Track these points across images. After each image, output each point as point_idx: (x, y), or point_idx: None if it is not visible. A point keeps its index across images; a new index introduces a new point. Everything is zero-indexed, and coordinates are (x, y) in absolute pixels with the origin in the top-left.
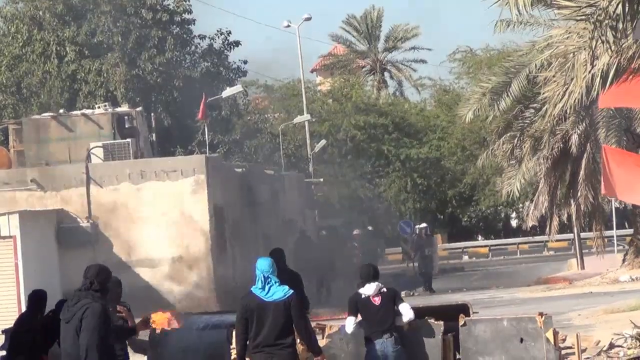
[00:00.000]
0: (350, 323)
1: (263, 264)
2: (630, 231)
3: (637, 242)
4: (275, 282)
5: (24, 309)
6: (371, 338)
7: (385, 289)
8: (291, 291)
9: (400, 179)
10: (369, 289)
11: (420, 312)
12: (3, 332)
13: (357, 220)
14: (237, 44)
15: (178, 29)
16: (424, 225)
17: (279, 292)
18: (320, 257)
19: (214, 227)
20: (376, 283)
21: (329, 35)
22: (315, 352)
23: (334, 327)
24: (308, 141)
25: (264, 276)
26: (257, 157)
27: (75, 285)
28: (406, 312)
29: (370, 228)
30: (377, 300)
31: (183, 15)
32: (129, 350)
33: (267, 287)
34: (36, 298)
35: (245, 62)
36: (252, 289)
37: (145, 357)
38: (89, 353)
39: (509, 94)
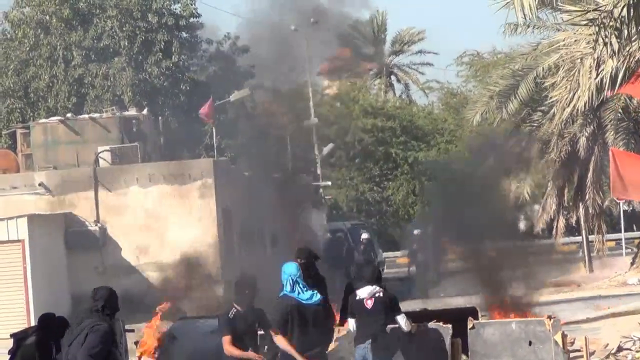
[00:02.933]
0: (351, 323)
1: (291, 268)
2: (639, 234)
3: None
4: (304, 286)
5: (32, 312)
6: (355, 343)
7: (381, 294)
8: (319, 296)
9: (408, 182)
10: (363, 292)
11: (429, 316)
12: (11, 335)
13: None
14: (246, 49)
15: (185, 33)
16: (417, 231)
17: (314, 295)
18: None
19: (222, 230)
20: (373, 286)
21: (336, 37)
22: None
23: (342, 331)
24: (315, 144)
25: (292, 280)
26: (264, 161)
27: (84, 289)
28: (402, 323)
29: (366, 236)
30: (369, 304)
31: (190, 19)
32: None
33: (297, 289)
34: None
35: (253, 67)
36: (286, 292)
37: None
38: None
39: (517, 96)
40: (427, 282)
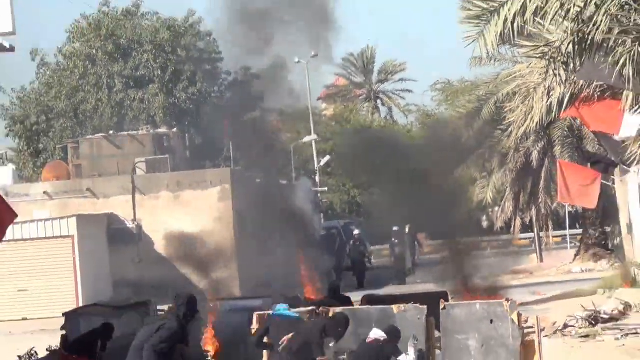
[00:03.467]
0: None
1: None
2: (581, 231)
3: (587, 240)
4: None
5: (81, 296)
6: None
7: (380, 340)
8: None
9: (390, 189)
10: (373, 333)
11: (408, 298)
12: (63, 315)
13: (356, 223)
14: (257, 77)
15: (208, 65)
16: (396, 227)
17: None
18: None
19: (238, 228)
20: (382, 335)
21: (335, 65)
22: None
23: (336, 311)
24: (315, 157)
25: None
26: (272, 170)
27: (123, 276)
28: None
29: (358, 232)
30: (369, 340)
31: (212, 54)
32: None
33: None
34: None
35: (262, 92)
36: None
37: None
38: (145, 353)
39: (481, 117)
40: (404, 271)
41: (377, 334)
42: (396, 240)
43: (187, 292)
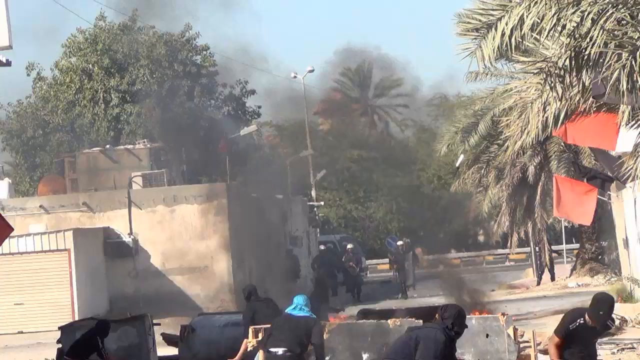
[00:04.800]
0: None
1: (299, 299)
2: (577, 246)
3: (583, 254)
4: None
5: (76, 309)
6: None
7: None
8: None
9: (387, 203)
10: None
11: (404, 313)
12: (59, 328)
13: (352, 237)
14: (252, 92)
15: (204, 79)
16: (400, 242)
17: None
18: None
19: (234, 242)
20: None
21: (331, 80)
22: None
23: (332, 325)
24: (311, 171)
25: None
26: (269, 184)
27: (119, 290)
28: None
29: (350, 246)
30: None
31: (209, 68)
32: (162, 342)
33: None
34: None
35: (259, 107)
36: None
37: (177, 349)
38: None
39: (477, 132)
40: (408, 285)
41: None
42: (400, 255)
43: (455, 305)
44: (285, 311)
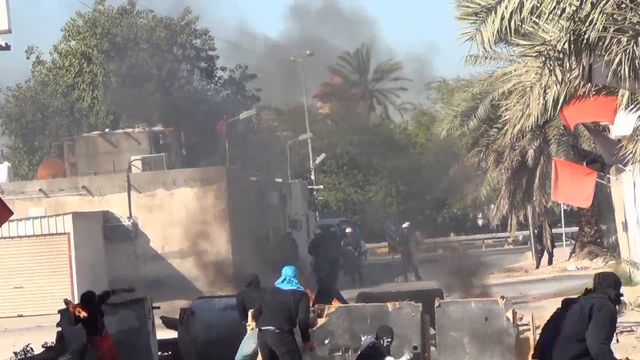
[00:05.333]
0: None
1: (288, 270)
2: (576, 229)
3: (582, 238)
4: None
5: (76, 292)
6: None
7: (369, 347)
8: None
9: (386, 186)
10: (364, 341)
11: (404, 296)
12: (59, 311)
13: (351, 220)
14: (253, 76)
15: (204, 63)
16: (406, 224)
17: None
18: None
19: (233, 226)
20: (373, 341)
21: (328, 67)
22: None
23: (331, 308)
24: (310, 154)
25: (287, 277)
26: (268, 168)
27: (119, 273)
28: None
29: (349, 230)
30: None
31: (208, 51)
32: (162, 325)
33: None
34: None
35: (259, 90)
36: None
37: (176, 333)
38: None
39: (476, 116)
40: (415, 267)
41: (366, 342)
42: (404, 237)
43: (613, 274)
44: (274, 284)
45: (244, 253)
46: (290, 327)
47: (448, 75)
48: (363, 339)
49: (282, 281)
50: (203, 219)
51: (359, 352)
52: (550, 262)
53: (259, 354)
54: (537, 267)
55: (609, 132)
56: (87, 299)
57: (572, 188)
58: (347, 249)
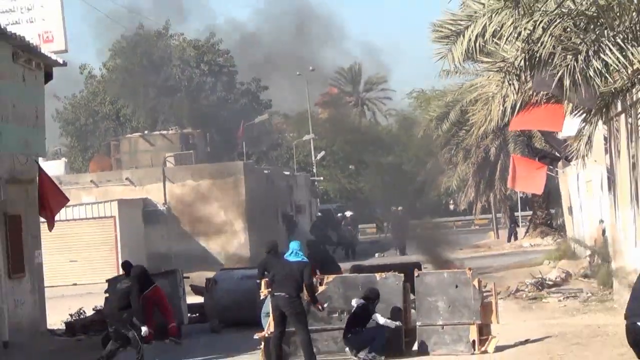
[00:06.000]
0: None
1: (294, 244)
2: (530, 213)
3: (535, 220)
4: (296, 254)
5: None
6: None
7: (359, 307)
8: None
9: (374, 178)
10: (354, 302)
11: (388, 267)
12: (106, 281)
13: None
14: (265, 87)
15: (225, 77)
16: (399, 208)
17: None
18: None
19: (249, 210)
20: (362, 302)
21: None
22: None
23: (330, 278)
24: (312, 152)
25: (294, 250)
26: (278, 163)
27: (156, 250)
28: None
29: (349, 213)
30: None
31: (230, 68)
32: (191, 292)
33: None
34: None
35: (270, 100)
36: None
37: (202, 298)
38: None
39: (448, 120)
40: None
41: (357, 302)
42: (394, 219)
43: None
44: (284, 257)
45: (258, 232)
46: (297, 293)
47: (425, 86)
48: (354, 301)
49: (290, 254)
50: (224, 204)
51: (352, 312)
52: (509, 239)
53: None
54: (509, 240)
55: (557, 133)
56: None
57: (527, 178)
58: (346, 229)
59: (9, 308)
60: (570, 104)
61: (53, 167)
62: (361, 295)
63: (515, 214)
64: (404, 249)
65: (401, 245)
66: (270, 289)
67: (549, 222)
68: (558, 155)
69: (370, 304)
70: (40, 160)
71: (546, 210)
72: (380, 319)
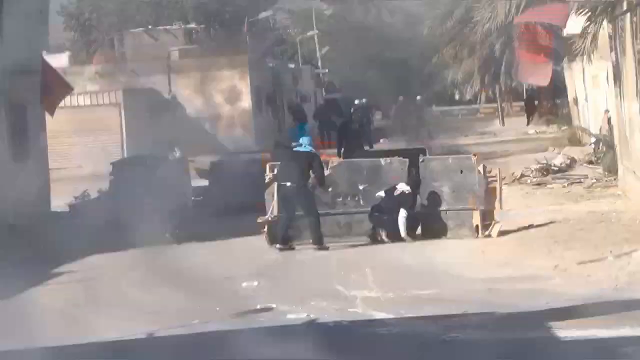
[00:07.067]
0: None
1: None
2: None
3: (541, 109)
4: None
5: (125, 150)
6: None
7: (405, 192)
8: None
9: (378, 71)
10: (400, 186)
11: (393, 153)
12: (111, 163)
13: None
14: None
15: None
16: (418, 97)
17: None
18: None
19: (254, 98)
20: (407, 188)
21: None
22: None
23: (334, 162)
24: (317, 47)
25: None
26: (282, 57)
27: (160, 138)
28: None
29: (363, 100)
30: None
31: None
32: (196, 175)
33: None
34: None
35: None
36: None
37: (207, 181)
38: None
39: (452, 17)
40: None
41: (402, 187)
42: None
43: None
44: (293, 149)
45: (263, 114)
46: (303, 182)
47: None
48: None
49: (300, 146)
50: (230, 93)
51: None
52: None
53: None
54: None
55: (561, 30)
56: None
57: (533, 70)
58: (357, 117)
59: (14, 191)
60: (575, 4)
61: (57, 60)
62: (407, 182)
63: (518, 103)
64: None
65: (420, 131)
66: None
67: (554, 111)
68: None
69: (410, 194)
70: (44, 53)
71: (552, 101)
72: (402, 215)
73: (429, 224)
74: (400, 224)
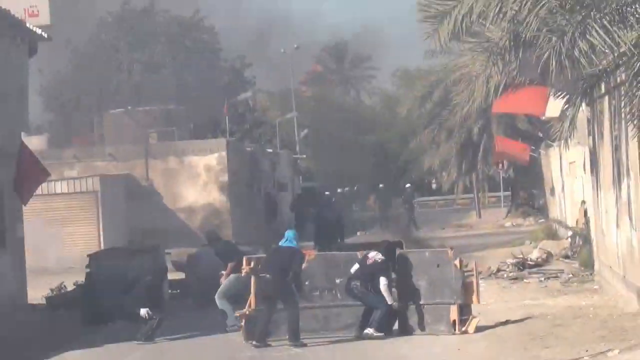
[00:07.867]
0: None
1: (290, 233)
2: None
3: (516, 201)
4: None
5: (102, 241)
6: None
7: (378, 260)
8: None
9: (356, 156)
10: (372, 254)
11: (370, 246)
12: (88, 255)
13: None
14: (249, 65)
15: (210, 54)
16: (408, 185)
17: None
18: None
19: (231, 187)
20: (380, 257)
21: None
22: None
23: (311, 256)
24: (296, 130)
25: (288, 238)
26: (261, 141)
27: (137, 225)
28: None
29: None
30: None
31: (215, 45)
32: (172, 267)
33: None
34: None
35: (254, 77)
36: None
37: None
38: None
39: (432, 99)
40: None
41: (375, 256)
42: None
43: None
44: (279, 244)
45: (240, 207)
46: (282, 275)
47: (410, 65)
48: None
49: (285, 241)
50: (207, 181)
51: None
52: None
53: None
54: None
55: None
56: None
57: (510, 155)
58: (336, 207)
59: None
60: (554, 87)
61: (35, 141)
62: (383, 252)
63: (494, 194)
64: (416, 225)
65: (410, 222)
66: (255, 270)
67: (530, 202)
68: (541, 136)
69: (384, 263)
70: (23, 135)
71: (528, 191)
72: (383, 282)
73: (405, 319)
74: (383, 291)
